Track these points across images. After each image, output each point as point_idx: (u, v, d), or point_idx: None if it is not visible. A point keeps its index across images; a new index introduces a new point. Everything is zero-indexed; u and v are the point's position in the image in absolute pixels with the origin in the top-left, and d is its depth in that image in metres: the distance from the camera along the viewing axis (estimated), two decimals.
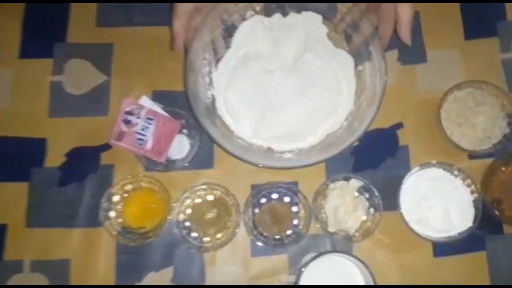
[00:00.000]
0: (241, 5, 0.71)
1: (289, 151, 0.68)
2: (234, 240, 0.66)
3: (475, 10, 0.77)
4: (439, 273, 0.67)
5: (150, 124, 0.66)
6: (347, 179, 0.67)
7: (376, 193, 0.65)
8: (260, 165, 0.64)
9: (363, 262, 0.60)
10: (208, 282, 0.67)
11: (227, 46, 0.73)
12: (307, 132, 0.69)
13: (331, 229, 0.65)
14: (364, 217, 0.66)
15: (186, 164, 0.70)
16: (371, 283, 0.60)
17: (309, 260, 0.60)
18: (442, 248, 0.67)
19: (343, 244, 0.68)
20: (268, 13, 0.74)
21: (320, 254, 0.60)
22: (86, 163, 0.71)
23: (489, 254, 0.68)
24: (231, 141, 0.67)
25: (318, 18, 0.73)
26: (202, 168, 0.71)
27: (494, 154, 0.69)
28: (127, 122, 0.65)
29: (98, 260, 0.67)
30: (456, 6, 0.78)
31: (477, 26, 0.77)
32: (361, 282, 0.63)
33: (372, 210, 0.66)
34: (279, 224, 0.68)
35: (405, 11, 0.61)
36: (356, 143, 0.71)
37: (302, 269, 0.61)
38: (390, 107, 0.72)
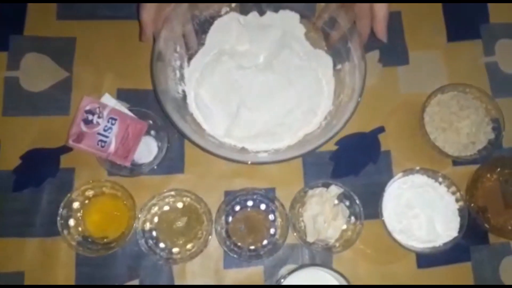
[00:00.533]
0: None
1: (265, 151, 0.64)
2: (206, 251, 0.61)
3: (458, 12, 0.75)
4: (423, 285, 0.63)
5: (113, 124, 0.61)
6: (326, 185, 0.63)
7: (357, 201, 0.61)
8: (235, 160, 0.59)
9: (343, 276, 0.56)
10: None
11: (201, 43, 0.68)
12: (284, 132, 0.65)
13: (310, 239, 0.61)
14: (344, 226, 0.62)
15: (155, 167, 0.64)
16: None
17: (287, 274, 0.56)
18: (426, 259, 0.64)
19: (322, 255, 0.64)
20: (244, 11, 0.70)
21: (298, 268, 0.55)
22: (44, 166, 0.65)
23: (474, 264, 0.64)
24: (202, 139, 0.62)
25: (295, 17, 0.70)
26: (171, 173, 0.66)
27: (478, 160, 0.66)
28: (87, 122, 0.59)
29: (56, 272, 0.62)
30: (439, 7, 0.75)
31: (460, 28, 0.74)
32: None
33: (353, 218, 0.63)
34: (254, 234, 0.63)
35: (380, 7, 0.59)
36: (335, 148, 0.68)
37: (282, 280, 0.56)
38: (371, 110, 0.69)
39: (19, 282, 0.61)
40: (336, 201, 0.63)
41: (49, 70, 0.68)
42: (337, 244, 0.62)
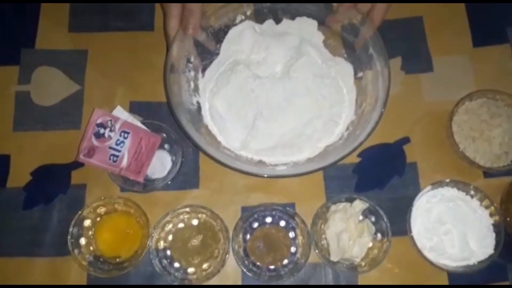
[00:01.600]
0: (230, 8, 0.64)
1: (283, 164, 0.61)
2: (222, 271, 0.58)
3: (483, 15, 0.71)
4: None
5: (125, 138, 0.58)
6: (350, 200, 0.59)
7: (384, 217, 0.58)
8: (252, 173, 0.57)
9: None
10: None
11: (216, 53, 0.66)
12: (303, 144, 0.61)
13: (334, 258, 0.57)
14: (370, 244, 0.58)
15: (169, 182, 0.61)
16: None
17: None
18: (459, 279, 0.59)
19: (346, 275, 0.60)
20: (259, 19, 0.67)
21: None
22: (54, 183, 0.63)
23: None
24: (218, 151, 0.59)
25: (313, 24, 0.67)
26: (186, 189, 0.63)
27: None
28: (98, 135, 0.57)
29: None
30: (462, 11, 0.71)
31: (486, 32, 0.70)
32: None
33: (379, 235, 0.59)
34: (274, 252, 0.60)
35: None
36: (358, 160, 0.64)
37: None
38: (395, 120, 0.65)
39: None
40: (361, 217, 0.59)
41: (60, 84, 0.66)
42: (363, 263, 0.58)
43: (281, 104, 0.62)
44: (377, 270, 0.57)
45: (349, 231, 0.57)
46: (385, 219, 0.58)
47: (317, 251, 0.58)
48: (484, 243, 0.58)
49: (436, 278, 0.60)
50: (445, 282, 0.60)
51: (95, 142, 0.57)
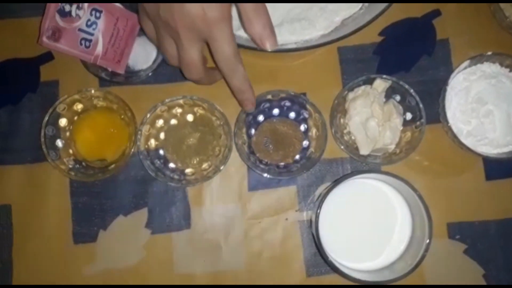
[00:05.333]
0: None
1: (294, 43, 0.50)
2: (226, 171, 0.50)
3: None
4: (493, 200, 0.52)
5: (98, 18, 0.48)
6: (369, 82, 0.50)
7: (412, 92, 0.48)
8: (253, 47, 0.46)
9: (407, 182, 0.44)
10: (195, 225, 0.51)
11: None
12: (316, 17, 0.51)
13: (364, 151, 0.49)
14: (401, 126, 0.50)
15: (150, 74, 0.52)
16: (422, 214, 0.44)
17: (330, 187, 0.44)
18: (497, 169, 0.52)
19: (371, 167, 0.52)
20: None
21: (343, 178, 0.43)
22: (21, 80, 0.54)
23: None
24: None
25: None
26: (176, 80, 0.53)
27: None
28: (64, 14, 0.46)
29: (48, 204, 0.52)
30: None
31: None
32: (405, 215, 0.47)
33: (408, 114, 0.50)
34: (283, 149, 0.51)
35: None
36: (380, 39, 0.54)
37: (322, 200, 0.44)
38: None
39: (6, 216, 0.51)
40: (384, 99, 0.50)
41: None
42: (398, 151, 0.49)
43: None
44: (403, 163, 0.50)
45: (376, 116, 0.48)
46: (413, 94, 0.48)
47: (342, 147, 0.49)
48: None
49: (471, 169, 0.52)
50: (481, 173, 0.52)
51: (60, 22, 0.46)
